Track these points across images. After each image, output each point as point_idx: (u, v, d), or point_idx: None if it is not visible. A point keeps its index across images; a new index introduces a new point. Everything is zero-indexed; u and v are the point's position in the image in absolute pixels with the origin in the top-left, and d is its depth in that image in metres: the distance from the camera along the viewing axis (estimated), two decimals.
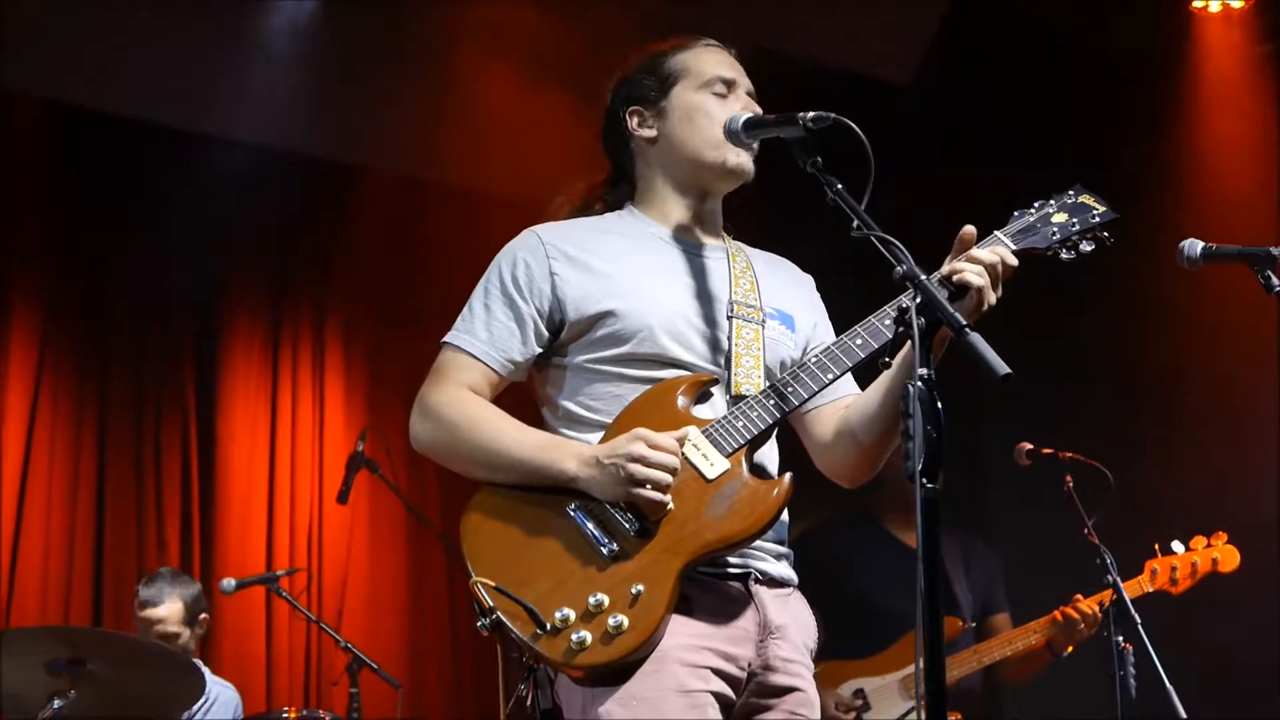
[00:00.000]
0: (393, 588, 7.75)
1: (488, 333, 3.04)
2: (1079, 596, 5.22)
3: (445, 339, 3.09)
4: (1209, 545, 5.25)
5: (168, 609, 5.66)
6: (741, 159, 3.13)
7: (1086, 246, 3.04)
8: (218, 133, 7.27)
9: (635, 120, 3.21)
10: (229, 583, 5.82)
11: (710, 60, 3.20)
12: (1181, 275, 3.30)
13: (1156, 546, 5.23)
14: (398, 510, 7.35)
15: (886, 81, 7.33)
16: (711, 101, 3.14)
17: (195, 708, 5.51)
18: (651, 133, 3.19)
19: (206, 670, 5.69)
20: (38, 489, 6.95)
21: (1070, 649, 5.32)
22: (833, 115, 2.80)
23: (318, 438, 7.70)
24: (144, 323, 7.39)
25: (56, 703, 4.70)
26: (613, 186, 3.31)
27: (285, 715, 5.19)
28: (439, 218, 7.53)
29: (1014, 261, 2.88)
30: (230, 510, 7.40)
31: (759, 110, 3.15)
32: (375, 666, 5.79)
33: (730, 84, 3.17)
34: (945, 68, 7.19)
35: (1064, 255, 3.03)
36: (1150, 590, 5.12)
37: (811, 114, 2.83)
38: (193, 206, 7.17)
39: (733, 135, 3.05)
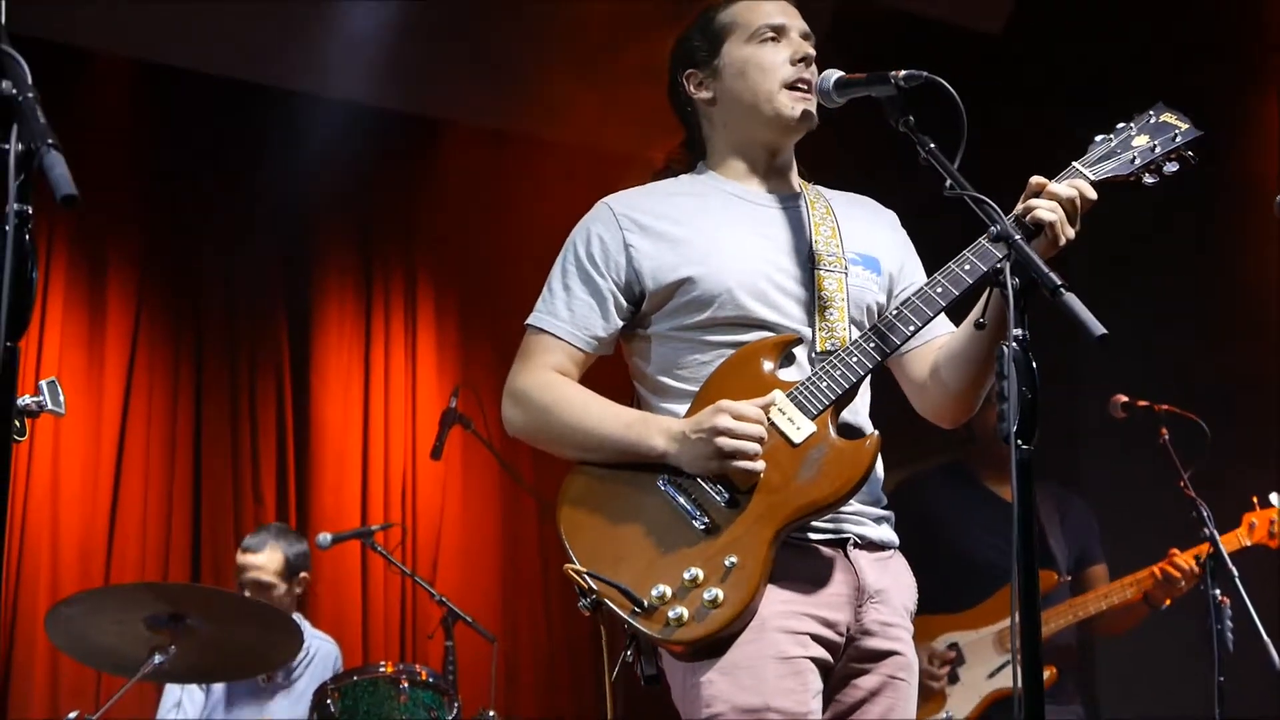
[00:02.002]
0: (486, 542, 7.79)
1: (569, 311, 3.01)
2: (1175, 551, 5.14)
3: (528, 321, 3.06)
4: None
5: (266, 557, 5.71)
6: (797, 108, 3.04)
7: (1170, 168, 2.94)
8: (303, 88, 7.33)
9: (692, 83, 3.14)
10: (325, 537, 5.86)
11: (756, 10, 3.10)
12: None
13: (1255, 500, 5.14)
14: (491, 466, 7.39)
15: (977, 31, 7.23)
16: (762, 51, 3.06)
17: (294, 661, 5.60)
18: (709, 94, 3.13)
19: (305, 624, 5.77)
20: (135, 448, 7.04)
21: (1168, 603, 5.25)
22: (925, 74, 2.76)
23: (411, 393, 7.75)
24: (237, 281, 7.46)
25: (157, 658, 4.77)
26: (689, 149, 3.24)
27: (382, 668, 5.23)
28: (525, 168, 7.54)
29: (1093, 195, 2.81)
30: (325, 466, 7.48)
31: (812, 51, 3.07)
32: (470, 620, 5.80)
33: (779, 29, 3.08)
34: (1039, 16, 7.06)
35: (1147, 180, 2.94)
36: (1249, 544, 5.03)
37: (904, 72, 2.77)
38: (280, 162, 7.22)
39: (824, 95, 2.97)
